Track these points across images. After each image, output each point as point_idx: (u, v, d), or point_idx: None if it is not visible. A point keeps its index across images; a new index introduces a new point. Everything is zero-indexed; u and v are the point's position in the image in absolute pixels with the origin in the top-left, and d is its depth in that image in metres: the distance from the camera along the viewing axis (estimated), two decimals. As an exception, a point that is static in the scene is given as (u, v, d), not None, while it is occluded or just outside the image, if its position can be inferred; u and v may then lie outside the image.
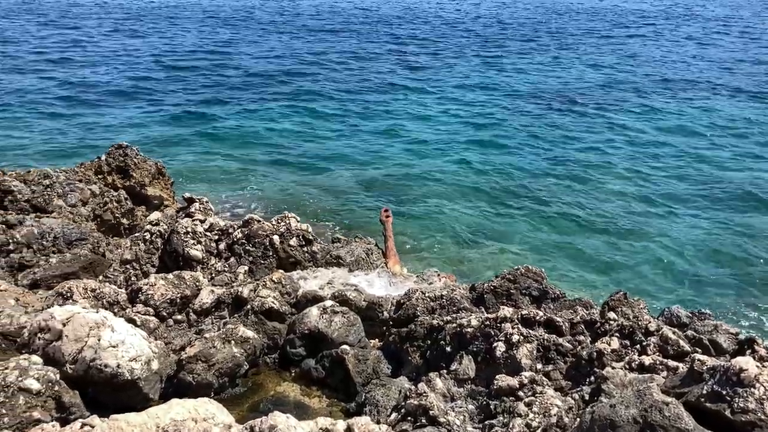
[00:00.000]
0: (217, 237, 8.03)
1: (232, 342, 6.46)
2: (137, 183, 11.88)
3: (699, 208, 16.16)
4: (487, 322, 5.91)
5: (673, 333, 5.60)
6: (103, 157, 12.27)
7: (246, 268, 7.81)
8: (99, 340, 5.85)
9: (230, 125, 21.71)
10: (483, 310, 6.75)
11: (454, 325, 6.15)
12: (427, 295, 6.98)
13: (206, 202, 8.68)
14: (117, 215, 10.03)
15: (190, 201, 8.61)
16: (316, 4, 67.08)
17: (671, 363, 5.21)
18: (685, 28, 51.20)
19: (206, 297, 7.08)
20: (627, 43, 42.88)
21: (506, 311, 5.93)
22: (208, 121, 22.10)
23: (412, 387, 5.62)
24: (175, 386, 6.25)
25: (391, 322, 7.05)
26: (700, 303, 11.88)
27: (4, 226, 8.63)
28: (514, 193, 16.52)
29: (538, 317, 5.96)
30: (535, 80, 30.42)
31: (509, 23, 52.62)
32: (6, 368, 5.49)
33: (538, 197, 16.21)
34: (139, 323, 6.63)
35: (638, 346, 5.61)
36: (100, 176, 11.81)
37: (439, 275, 8.08)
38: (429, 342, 6.40)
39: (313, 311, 6.91)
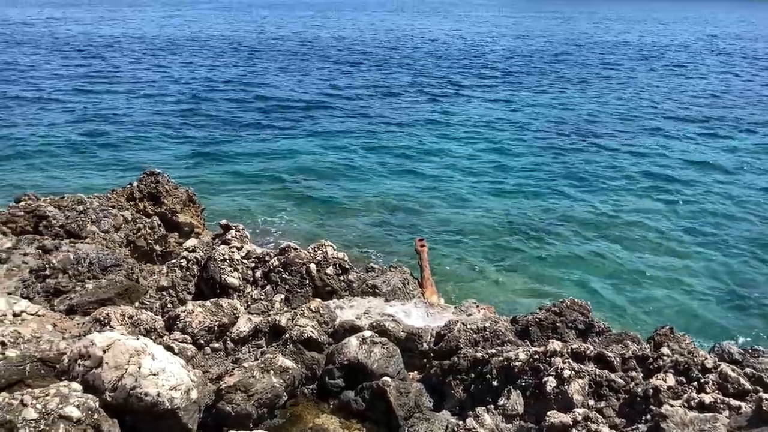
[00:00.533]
0: (253, 264, 7.95)
1: (271, 372, 6.33)
2: (168, 210, 11.90)
3: (725, 245, 15.86)
4: (536, 356, 5.75)
5: (733, 370, 5.40)
6: (135, 184, 12.33)
7: (282, 296, 7.71)
8: (139, 367, 5.75)
9: (254, 156, 21.81)
10: (528, 343, 6.58)
11: (501, 358, 5.98)
12: (468, 326, 6.82)
13: (242, 229, 8.63)
14: (150, 242, 10.01)
15: (227, 228, 8.57)
16: (337, 36, 67.98)
17: (733, 402, 5.01)
18: (708, 61, 51.12)
19: (244, 325, 6.97)
20: (649, 76, 42.86)
21: (556, 345, 5.76)
22: (230, 152, 22.23)
23: (460, 422, 5.45)
24: (214, 416, 6.11)
25: (431, 354, 6.89)
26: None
27: (40, 251, 8.64)
28: (533, 227, 16.33)
29: (588, 351, 5.79)
30: (556, 114, 30.39)
31: (529, 56, 52.86)
32: (47, 395, 5.40)
33: (559, 232, 16.01)
34: (176, 351, 6.52)
35: (695, 383, 5.41)
36: (131, 203, 11.85)
37: (477, 306, 7.92)
38: (473, 375, 6.23)
39: (353, 341, 6.77)
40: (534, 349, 5.94)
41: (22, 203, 10.83)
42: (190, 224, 12.10)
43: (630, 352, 5.92)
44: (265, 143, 23.54)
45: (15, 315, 6.75)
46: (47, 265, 8.19)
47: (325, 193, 17.95)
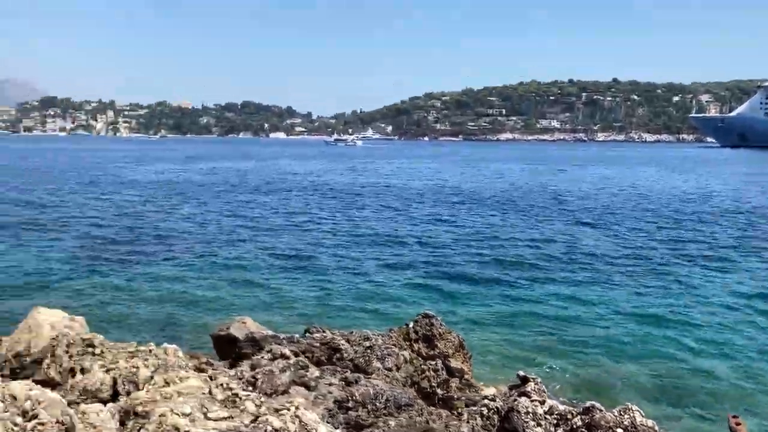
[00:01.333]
0: (555, 421, 7.62)
1: None
2: (441, 353, 12.12)
3: None
4: None
5: None
6: (411, 325, 12.88)
7: (587, 460, 7.21)
8: None
9: (495, 313, 21.43)
10: None
11: None
12: None
13: (540, 382, 8.42)
14: (433, 384, 10.18)
15: (525, 380, 8.42)
16: (573, 190, 67.96)
17: None
18: None
19: (553, 487, 6.57)
20: None
21: None
22: (470, 308, 22.15)
23: None
24: None
25: None
26: None
27: (343, 382, 9.17)
28: None
29: None
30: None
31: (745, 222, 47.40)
32: None
33: None
34: (488, 506, 6.30)
35: None
36: (407, 343, 12.31)
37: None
38: None
39: None
40: None
41: (317, 335, 11.78)
42: (461, 370, 12.15)
43: None
44: (504, 301, 23.21)
45: (333, 444, 7.10)
46: (350, 398, 8.62)
47: (582, 359, 16.95)
